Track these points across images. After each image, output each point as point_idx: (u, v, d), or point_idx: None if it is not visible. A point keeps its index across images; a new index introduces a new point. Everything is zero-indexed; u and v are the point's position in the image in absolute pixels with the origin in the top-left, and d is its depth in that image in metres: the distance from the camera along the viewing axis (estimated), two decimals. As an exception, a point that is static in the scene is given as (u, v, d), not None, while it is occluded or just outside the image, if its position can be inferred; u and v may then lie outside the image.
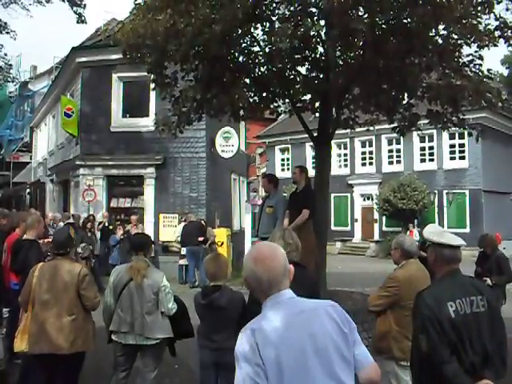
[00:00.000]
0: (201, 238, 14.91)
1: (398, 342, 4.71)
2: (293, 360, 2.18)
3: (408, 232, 24.26)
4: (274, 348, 2.18)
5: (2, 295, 7.08)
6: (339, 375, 2.25)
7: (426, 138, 28.81)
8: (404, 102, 10.25)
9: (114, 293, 5.22)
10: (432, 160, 29.87)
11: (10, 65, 24.22)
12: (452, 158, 29.18)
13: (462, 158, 28.71)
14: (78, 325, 4.94)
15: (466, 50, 8.84)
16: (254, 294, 2.54)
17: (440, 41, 8.43)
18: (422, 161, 30.29)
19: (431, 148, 29.81)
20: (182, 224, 15.93)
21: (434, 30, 8.16)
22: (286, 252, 4.21)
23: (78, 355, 4.98)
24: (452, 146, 29.00)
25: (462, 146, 28.48)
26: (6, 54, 23.22)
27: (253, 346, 2.19)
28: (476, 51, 8.80)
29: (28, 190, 34.31)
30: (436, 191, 29.21)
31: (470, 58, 9.01)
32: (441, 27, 8.15)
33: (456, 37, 8.36)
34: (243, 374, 2.17)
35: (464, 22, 7.71)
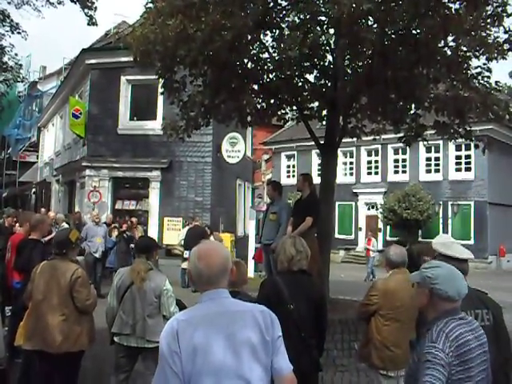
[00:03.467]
0: None
1: (377, 350, 4.73)
2: (205, 355, 2.34)
3: (366, 240, 24.14)
4: (191, 340, 2.35)
5: (4, 293, 7.14)
6: (248, 377, 2.37)
7: (432, 149, 28.76)
8: (411, 113, 10.24)
9: (116, 295, 5.24)
10: (438, 171, 29.85)
11: (20, 65, 24.31)
12: (458, 170, 29.15)
13: (468, 169, 28.67)
14: (69, 325, 4.93)
15: (474, 62, 8.85)
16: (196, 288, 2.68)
17: (448, 52, 8.42)
18: (428, 171, 30.26)
19: (437, 159, 29.77)
20: (187, 228, 15.93)
21: (442, 42, 8.15)
22: (297, 260, 4.25)
23: (73, 355, 4.98)
24: (458, 157, 28.97)
25: (468, 157, 28.45)
26: (16, 54, 23.31)
27: (174, 334, 2.37)
28: (484, 63, 8.80)
29: (34, 190, 34.45)
30: (441, 202, 29.16)
31: (479, 70, 9.00)
32: (450, 39, 8.14)
33: (465, 49, 8.36)
34: (162, 358, 2.37)
35: (473, 34, 7.71)
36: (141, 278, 5.14)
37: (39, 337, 4.93)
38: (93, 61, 19.32)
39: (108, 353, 5.68)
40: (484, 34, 7.87)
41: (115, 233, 13.24)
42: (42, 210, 13.20)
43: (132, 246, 13.40)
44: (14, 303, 6.76)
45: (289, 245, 4.32)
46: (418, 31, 7.90)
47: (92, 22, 19.74)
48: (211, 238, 15.04)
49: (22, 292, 5.94)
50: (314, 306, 4.28)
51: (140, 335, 5.13)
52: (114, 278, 5.42)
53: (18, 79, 25.19)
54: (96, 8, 19.73)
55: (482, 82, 9.11)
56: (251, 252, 17.05)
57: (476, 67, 9.00)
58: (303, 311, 4.13)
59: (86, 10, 19.58)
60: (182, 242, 15.51)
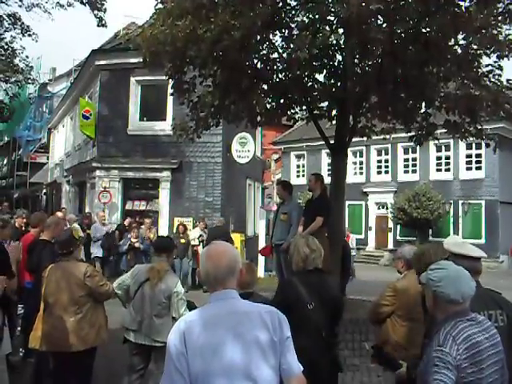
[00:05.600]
0: None
1: (395, 351, 4.70)
2: (212, 356, 2.36)
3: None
4: (197, 341, 2.37)
5: (17, 293, 7.20)
6: (256, 377, 2.38)
7: (443, 148, 28.65)
8: (421, 112, 10.20)
9: (133, 284, 5.32)
10: (448, 170, 29.73)
11: (31, 67, 24.44)
12: (468, 169, 29.02)
13: (479, 168, 28.54)
14: (88, 321, 5.06)
15: (485, 60, 8.79)
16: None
17: (459, 51, 8.38)
18: (438, 170, 30.16)
19: (447, 158, 29.66)
20: (198, 228, 15.88)
21: (452, 40, 8.13)
22: (311, 259, 4.25)
23: (86, 353, 5.06)
24: (468, 156, 28.84)
25: (478, 156, 28.32)
26: (27, 56, 23.45)
27: (181, 335, 2.40)
28: (495, 61, 8.74)
29: (44, 191, 34.62)
30: (451, 201, 29.05)
31: (489, 68, 8.94)
32: (460, 37, 8.12)
33: (475, 47, 8.31)
34: (168, 358, 2.39)
35: (484, 31, 7.65)
36: (159, 277, 5.20)
37: (53, 338, 5.00)
38: (102, 62, 19.38)
39: (120, 353, 5.71)
40: (495, 32, 7.79)
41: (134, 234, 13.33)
42: (58, 213, 13.20)
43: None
44: (26, 303, 6.82)
45: (302, 244, 4.32)
46: (428, 30, 7.87)
47: (102, 23, 19.85)
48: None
49: (33, 292, 6.02)
50: (332, 304, 4.29)
51: (146, 333, 5.17)
52: (132, 271, 5.50)
53: (29, 81, 25.31)
54: (106, 9, 19.85)
55: (492, 80, 9.05)
56: (261, 252, 17.06)
57: (487, 65, 8.93)
58: (322, 310, 4.12)
59: (95, 12, 19.69)
60: (195, 242, 15.47)
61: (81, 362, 5.03)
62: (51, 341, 5.01)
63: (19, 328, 7.27)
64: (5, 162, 45.47)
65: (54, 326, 5.00)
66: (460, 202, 29.11)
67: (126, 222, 15.94)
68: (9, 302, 5.99)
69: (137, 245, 14.62)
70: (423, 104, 10.00)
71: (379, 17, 7.77)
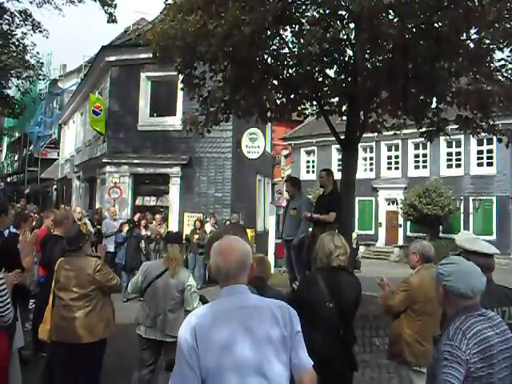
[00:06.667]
0: None
1: (409, 346, 4.70)
2: (223, 351, 2.36)
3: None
4: (208, 335, 2.37)
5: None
6: (267, 372, 2.38)
7: (454, 144, 28.47)
8: (433, 107, 10.14)
9: (143, 282, 5.36)
10: (459, 166, 29.55)
11: (42, 63, 24.53)
12: (479, 164, 28.82)
13: (490, 164, 28.34)
14: (97, 314, 5.11)
15: (498, 54, 8.71)
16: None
17: (471, 45, 8.31)
18: (449, 166, 29.98)
19: (458, 153, 29.48)
20: (208, 224, 15.84)
21: (465, 34, 8.06)
22: (335, 256, 4.22)
23: (95, 345, 5.11)
24: (480, 151, 28.64)
25: (489, 151, 28.11)
26: (38, 53, 23.54)
27: (191, 329, 2.40)
28: (508, 56, 8.66)
29: (55, 186, 34.79)
30: (462, 197, 28.87)
31: (502, 62, 8.87)
32: (472, 31, 8.04)
33: (488, 41, 8.23)
34: (179, 353, 2.40)
35: (497, 25, 7.59)
36: (178, 264, 5.23)
37: (62, 330, 5.07)
38: (112, 58, 19.42)
39: (130, 348, 5.74)
40: (508, 26, 7.71)
41: (126, 228, 13.22)
42: (78, 208, 13.19)
43: (141, 245, 13.54)
44: (37, 297, 6.88)
45: (327, 241, 4.29)
46: (440, 24, 7.79)
47: (112, 19, 19.84)
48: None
49: (45, 286, 6.06)
50: (352, 304, 4.26)
51: (160, 329, 5.20)
52: (140, 270, 5.53)
53: (40, 77, 25.41)
54: (116, 5, 19.85)
55: (505, 74, 8.98)
56: (271, 247, 17.06)
57: (499, 60, 8.86)
58: (342, 308, 4.10)
59: (105, 8, 19.69)
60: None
61: (90, 355, 5.08)
62: (60, 333, 5.09)
63: (30, 322, 7.34)
64: (16, 157, 45.76)
65: (63, 318, 5.07)
66: (471, 198, 28.94)
67: (136, 217, 15.91)
68: (26, 292, 6.03)
69: (146, 233, 14.53)
70: (434, 99, 9.93)
71: (390, 11, 7.73)
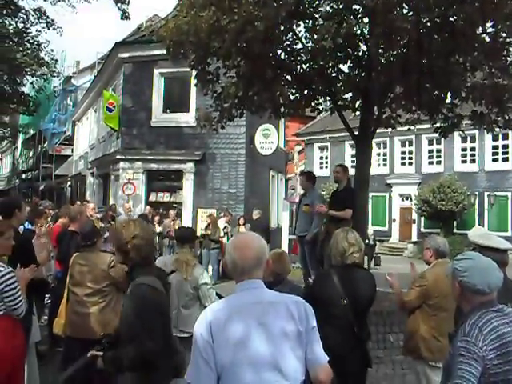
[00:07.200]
0: None
1: (425, 341, 4.69)
2: (238, 346, 2.36)
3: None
4: (224, 330, 2.38)
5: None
6: (282, 367, 2.38)
7: (468, 139, 28.27)
8: (447, 102, 10.05)
9: None
10: (473, 161, 29.34)
11: (56, 60, 24.68)
12: (494, 160, 28.60)
13: (505, 159, 28.12)
14: (112, 310, 5.12)
15: (514, 48, 8.62)
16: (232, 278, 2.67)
17: (487, 39, 8.22)
18: (463, 162, 29.78)
19: (473, 149, 29.27)
20: (223, 219, 15.84)
21: (480, 28, 7.97)
22: (349, 253, 4.20)
23: None
24: (495, 147, 28.42)
25: (505, 147, 27.90)
26: (52, 50, 23.69)
27: (207, 324, 2.40)
28: (525, 50, 8.58)
29: (69, 183, 35.01)
30: (477, 193, 28.67)
31: (519, 56, 8.78)
32: (488, 25, 7.95)
33: (504, 35, 8.14)
34: (195, 348, 2.41)
35: (513, 19, 7.52)
36: (190, 266, 5.23)
37: (77, 325, 5.11)
38: (126, 54, 19.50)
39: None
40: (525, 19, 7.64)
41: None
42: (91, 204, 13.21)
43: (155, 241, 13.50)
44: (53, 292, 6.94)
45: (341, 238, 4.27)
46: (455, 18, 7.71)
47: (125, 16, 19.92)
48: (244, 229, 15.00)
49: (61, 281, 6.12)
50: (367, 302, 4.25)
51: (173, 324, 5.20)
52: (156, 263, 5.54)
53: (54, 74, 25.56)
54: (129, 2, 19.92)
55: (522, 69, 8.88)
56: (285, 243, 17.04)
57: (516, 53, 8.78)
58: (357, 305, 4.09)
59: (119, 5, 19.77)
60: (221, 233, 15.45)
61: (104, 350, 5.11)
62: (75, 328, 5.13)
63: (45, 317, 7.41)
64: (31, 154, 46.04)
65: (77, 313, 5.11)
66: (486, 193, 28.74)
67: (146, 211, 15.91)
68: (43, 286, 6.08)
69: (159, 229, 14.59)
70: (449, 94, 9.85)
71: (405, 5, 7.68)
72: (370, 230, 25.32)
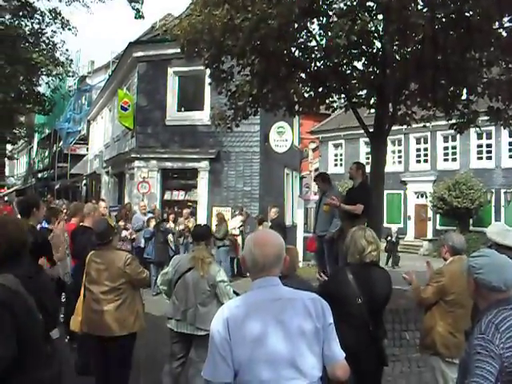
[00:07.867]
0: None
1: (442, 337, 4.68)
2: (255, 343, 2.37)
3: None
4: (241, 327, 2.39)
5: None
6: (300, 364, 2.39)
7: (484, 135, 27.91)
8: (463, 99, 9.97)
9: (174, 275, 5.42)
10: (490, 158, 29.04)
11: (71, 60, 24.81)
12: (511, 156, 28.28)
13: (523, 155, 27.84)
14: (127, 307, 5.18)
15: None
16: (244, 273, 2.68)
17: (504, 34, 8.13)
18: (479, 158, 29.48)
19: (489, 146, 28.97)
20: (239, 217, 15.83)
21: (497, 23, 7.89)
22: (368, 252, 4.18)
23: (126, 338, 5.19)
24: (511, 143, 28.11)
25: (522, 143, 27.61)
26: (67, 50, 23.80)
27: (224, 321, 2.41)
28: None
29: (84, 182, 35.23)
30: (493, 190, 28.39)
31: (536, 51, 8.67)
32: (505, 19, 7.88)
33: (522, 29, 8.06)
34: (212, 344, 2.41)
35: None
36: (207, 263, 5.26)
37: (93, 323, 5.17)
38: (140, 54, 19.57)
39: (160, 342, 5.80)
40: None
41: (152, 223, 13.28)
42: (102, 203, 13.20)
43: (169, 237, 13.54)
44: (69, 289, 6.99)
45: (358, 236, 4.26)
46: (471, 13, 7.64)
47: (139, 15, 19.96)
48: (261, 227, 14.93)
49: (76, 277, 6.18)
50: (383, 301, 4.25)
51: (190, 322, 5.23)
52: (170, 265, 5.57)
53: (69, 74, 25.70)
54: (143, 1, 19.96)
55: (539, 64, 8.78)
56: (299, 241, 17.03)
57: (533, 48, 8.66)
58: (373, 304, 4.08)
59: (132, 4, 19.81)
60: (235, 232, 15.46)
61: (120, 347, 5.16)
62: (91, 326, 5.19)
63: (62, 315, 7.46)
64: (46, 154, 46.37)
65: (94, 311, 5.16)
66: (502, 190, 28.42)
67: (155, 213, 15.76)
68: (60, 285, 6.15)
69: (179, 227, 14.61)
70: (464, 91, 9.77)
71: (419, 1, 7.63)
72: (394, 227, 25.32)
